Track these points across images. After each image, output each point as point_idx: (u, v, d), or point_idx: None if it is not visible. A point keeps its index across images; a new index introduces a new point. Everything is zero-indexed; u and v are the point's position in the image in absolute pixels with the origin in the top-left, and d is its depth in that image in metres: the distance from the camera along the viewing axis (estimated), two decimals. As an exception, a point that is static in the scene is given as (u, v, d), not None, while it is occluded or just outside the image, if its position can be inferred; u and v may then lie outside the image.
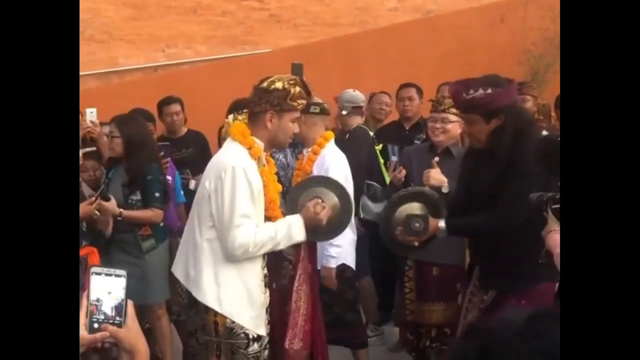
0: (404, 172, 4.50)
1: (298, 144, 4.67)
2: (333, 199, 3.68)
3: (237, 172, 3.12)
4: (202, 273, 3.21)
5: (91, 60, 11.43)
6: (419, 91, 6.03)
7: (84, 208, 4.09)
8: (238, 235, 3.14)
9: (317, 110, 4.38)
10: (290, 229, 3.27)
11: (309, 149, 4.38)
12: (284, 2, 12.85)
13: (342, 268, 4.41)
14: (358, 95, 5.43)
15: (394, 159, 4.33)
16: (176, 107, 5.97)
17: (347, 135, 5.32)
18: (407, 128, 5.94)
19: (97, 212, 4.17)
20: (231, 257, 3.19)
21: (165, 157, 4.59)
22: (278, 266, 3.75)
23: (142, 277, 4.28)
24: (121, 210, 4.26)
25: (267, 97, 3.21)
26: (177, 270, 3.38)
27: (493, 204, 3.37)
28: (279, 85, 3.20)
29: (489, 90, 3.31)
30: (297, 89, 3.23)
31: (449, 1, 13.35)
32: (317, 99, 4.43)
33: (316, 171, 4.25)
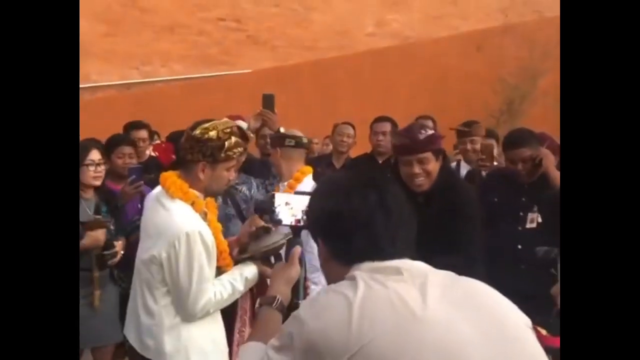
0: None
1: (271, 176, 4.53)
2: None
3: (191, 238, 2.91)
4: (163, 342, 3.01)
5: (64, 75, 11.27)
6: (394, 125, 5.95)
7: (97, 236, 3.96)
8: (199, 299, 2.97)
9: (292, 144, 4.15)
10: (244, 276, 3.16)
11: (285, 183, 4.20)
12: (261, 23, 12.84)
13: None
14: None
15: None
16: (144, 134, 5.88)
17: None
18: (380, 161, 5.84)
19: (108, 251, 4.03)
20: (191, 318, 3.05)
21: (136, 180, 4.40)
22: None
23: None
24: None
25: (199, 146, 2.97)
26: (131, 337, 3.16)
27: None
28: (212, 134, 2.96)
29: (434, 132, 3.41)
30: (233, 139, 3.00)
31: (426, 28, 13.45)
32: (295, 132, 4.26)
33: None
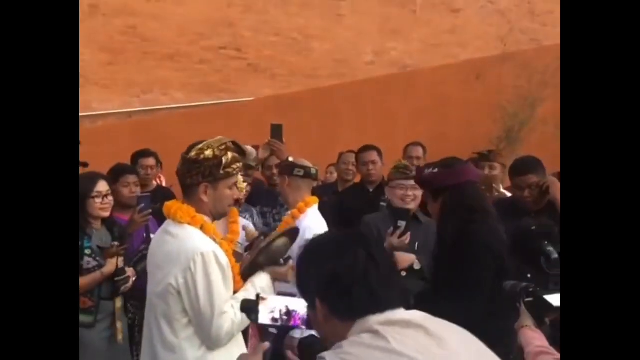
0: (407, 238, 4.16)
1: (279, 205, 4.51)
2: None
3: (207, 258, 2.85)
4: None
5: (65, 103, 11.31)
6: (380, 153, 5.96)
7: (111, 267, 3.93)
8: (223, 324, 2.86)
9: (301, 174, 4.13)
10: (258, 286, 3.09)
11: (289, 213, 4.19)
12: (262, 51, 12.92)
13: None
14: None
15: (403, 223, 4.01)
16: (151, 161, 5.90)
17: None
18: (370, 190, 5.82)
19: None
20: (218, 345, 2.96)
21: (145, 209, 4.37)
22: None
23: None
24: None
25: (197, 168, 2.93)
26: None
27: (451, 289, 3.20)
28: (208, 153, 2.93)
29: (436, 170, 3.40)
30: (230, 155, 2.97)
31: (425, 57, 13.54)
32: (304, 162, 4.25)
33: None
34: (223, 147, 2.98)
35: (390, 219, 4.21)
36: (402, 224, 3.95)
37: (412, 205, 4.27)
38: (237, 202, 3.79)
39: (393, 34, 14.09)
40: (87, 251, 3.95)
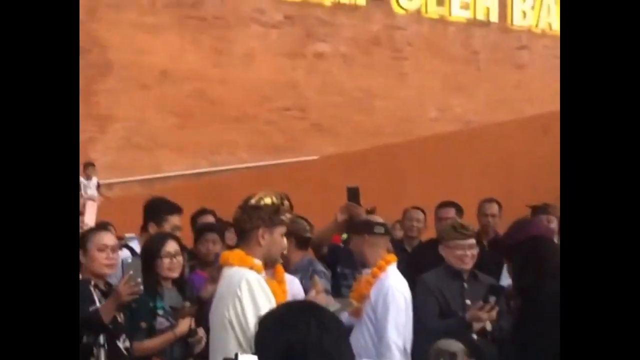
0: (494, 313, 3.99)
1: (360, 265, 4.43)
2: None
3: (251, 282, 3.01)
4: None
5: (136, 166, 11.68)
6: (459, 210, 5.83)
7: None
8: None
9: (382, 231, 4.14)
10: None
11: (368, 271, 4.18)
12: (325, 111, 13.11)
13: None
14: None
15: (493, 298, 3.92)
16: (209, 218, 5.99)
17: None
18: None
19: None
20: None
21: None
22: None
23: None
24: None
25: (257, 213, 3.16)
26: None
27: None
28: (267, 200, 3.18)
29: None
30: (286, 203, 3.24)
31: (490, 112, 13.47)
32: (378, 219, 4.28)
33: (374, 296, 4.03)
34: (278, 196, 3.22)
35: (447, 279, 4.15)
36: (492, 299, 3.85)
37: (470, 265, 4.15)
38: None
39: (457, 91, 14.11)
40: (160, 311, 3.94)
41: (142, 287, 3.56)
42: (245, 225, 3.17)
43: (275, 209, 3.16)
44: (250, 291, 2.99)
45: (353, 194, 4.49)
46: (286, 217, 3.22)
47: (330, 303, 3.34)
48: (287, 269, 3.94)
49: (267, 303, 2.97)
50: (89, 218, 4.17)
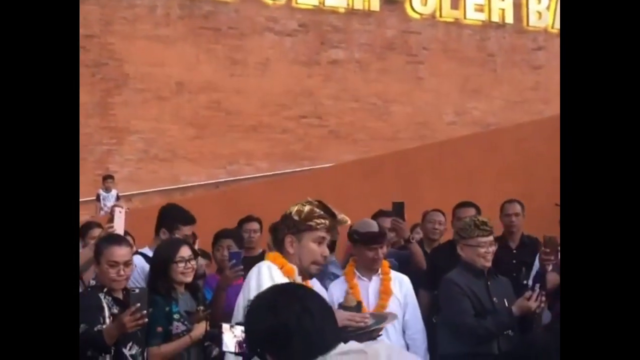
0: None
1: None
2: None
3: (261, 269, 3.06)
4: None
5: (155, 178, 11.74)
6: (478, 211, 5.78)
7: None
8: None
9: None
10: None
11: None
12: (342, 118, 13.11)
13: None
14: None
15: (538, 285, 3.92)
16: (254, 225, 6.06)
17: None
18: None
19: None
20: None
21: (236, 265, 4.38)
22: None
23: None
24: None
25: (284, 222, 3.20)
26: None
27: None
28: (293, 209, 3.20)
29: None
30: (308, 207, 3.19)
31: (508, 114, 13.39)
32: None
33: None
34: (306, 202, 3.22)
35: (472, 278, 4.11)
36: (537, 286, 3.88)
37: (490, 263, 4.12)
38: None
39: (474, 93, 14.04)
40: (176, 316, 3.97)
41: (146, 320, 3.48)
42: (278, 235, 3.21)
43: (303, 216, 3.16)
44: (257, 278, 3.03)
45: (398, 209, 4.46)
46: (316, 223, 3.17)
47: (366, 318, 3.29)
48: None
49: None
50: (118, 225, 4.10)
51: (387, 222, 4.90)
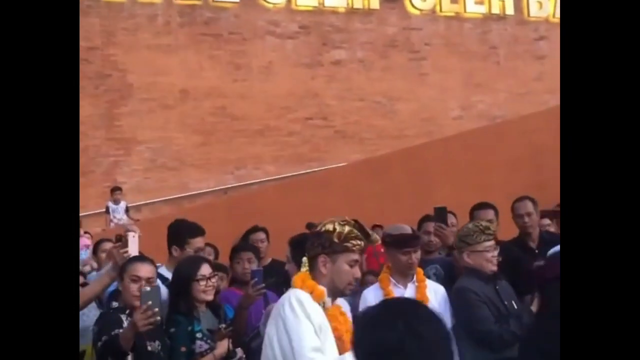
0: None
1: None
2: None
3: (293, 303, 2.91)
4: None
5: (163, 187, 11.75)
6: (496, 212, 5.59)
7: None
8: None
9: None
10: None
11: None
12: (348, 118, 13.08)
13: None
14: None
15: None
16: (261, 235, 6.05)
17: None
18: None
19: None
20: None
21: (258, 283, 4.38)
22: None
23: None
24: None
25: (318, 240, 3.06)
26: None
27: None
28: (329, 227, 3.06)
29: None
30: (347, 229, 3.07)
31: (514, 106, 13.33)
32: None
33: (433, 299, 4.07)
34: (344, 222, 3.08)
35: (482, 284, 4.03)
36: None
37: (496, 267, 4.07)
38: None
39: (478, 87, 14.00)
40: (199, 335, 3.93)
41: (158, 318, 3.47)
42: (310, 252, 3.09)
43: (338, 236, 3.04)
44: (292, 312, 2.90)
45: (440, 214, 4.37)
46: (353, 244, 3.06)
47: None
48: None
49: (311, 326, 2.90)
50: (133, 249, 4.07)
51: (430, 228, 4.72)
